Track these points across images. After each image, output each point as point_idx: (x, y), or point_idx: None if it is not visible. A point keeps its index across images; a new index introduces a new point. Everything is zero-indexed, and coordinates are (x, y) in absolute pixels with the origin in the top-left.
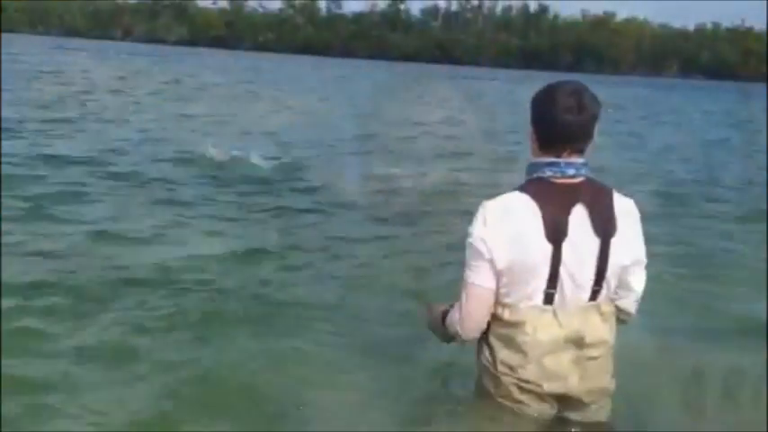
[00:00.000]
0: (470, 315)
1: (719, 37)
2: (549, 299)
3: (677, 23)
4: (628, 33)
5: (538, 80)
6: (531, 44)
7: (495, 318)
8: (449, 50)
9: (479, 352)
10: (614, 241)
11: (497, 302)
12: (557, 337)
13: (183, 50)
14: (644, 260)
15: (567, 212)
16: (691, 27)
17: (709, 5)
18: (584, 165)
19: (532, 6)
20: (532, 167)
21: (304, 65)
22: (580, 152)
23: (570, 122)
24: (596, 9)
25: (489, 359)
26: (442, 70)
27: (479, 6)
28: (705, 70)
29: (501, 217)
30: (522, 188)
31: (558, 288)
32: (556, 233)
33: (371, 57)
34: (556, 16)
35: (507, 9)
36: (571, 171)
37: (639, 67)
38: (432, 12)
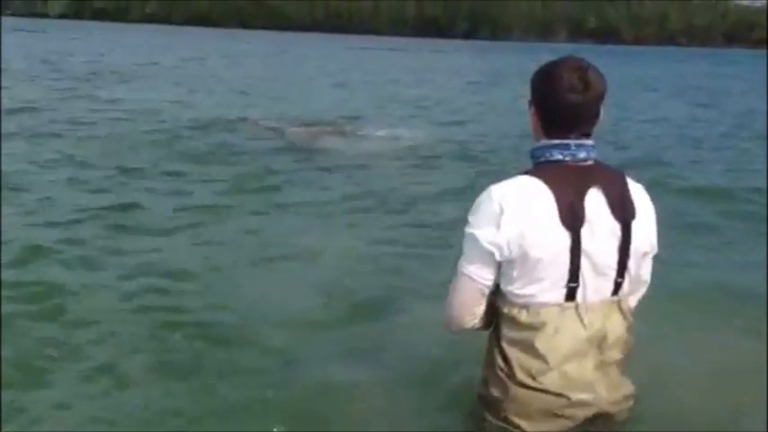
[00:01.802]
0: (454, 306)
1: (604, 2)
2: (571, 294)
3: None
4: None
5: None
6: (427, 12)
7: (509, 320)
8: (345, 20)
9: (489, 361)
10: (635, 225)
11: (511, 304)
12: (580, 338)
13: (67, 24)
14: (656, 250)
15: (583, 196)
16: None
17: None
18: (594, 147)
19: None
20: (539, 151)
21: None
22: (588, 134)
23: (576, 102)
24: None
25: (504, 368)
26: (339, 40)
27: None
28: (593, 35)
29: (510, 202)
30: (531, 172)
31: (581, 281)
32: (573, 219)
33: (266, 27)
34: None
35: None
36: (582, 154)
37: (531, 34)
38: None
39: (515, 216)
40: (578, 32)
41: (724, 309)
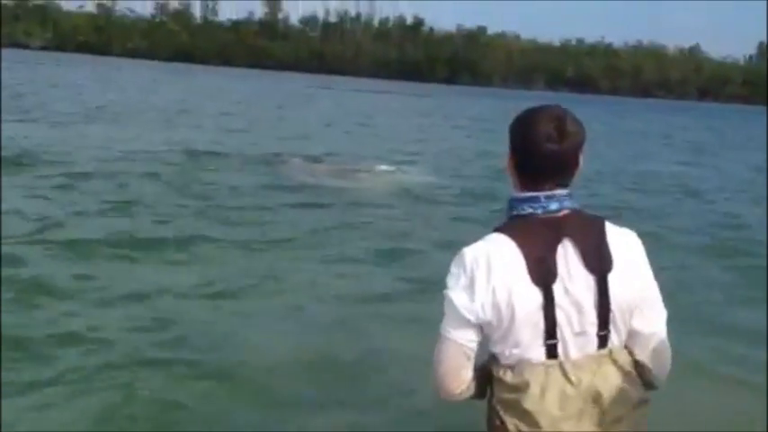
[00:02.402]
0: (441, 372)
1: (582, 52)
2: (551, 352)
3: (544, 39)
4: (498, 47)
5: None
6: (409, 56)
7: (498, 382)
8: (327, 61)
9: (488, 419)
10: (612, 277)
11: (498, 365)
12: (570, 396)
13: (48, 56)
14: (654, 298)
15: (553, 250)
16: (556, 42)
17: (574, 21)
18: (569, 196)
19: (409, 19)
20: (512, 204)
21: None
22: (564, 185)
23: (552, 152)
24: (470, 23)
25: (499, 427)
26: (321, 80)
27: (357, 17)
28: (570, 84)
29: (480, 266)
30: (501, 228)
31: (560, 337)
32: (543, 275)
33: (249, 65)
34: (431, 29)
35: (384, 21)
36: (554, 206)
37: (510, 81)
38: (310, 21)
39: (486, 279)
40: (556, 81)
41: None
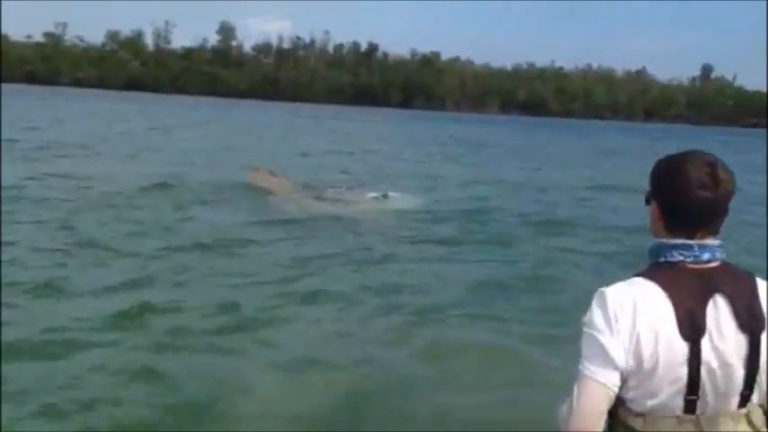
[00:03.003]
0: (581, 413)
1: (533, 76)
2: (690, 407)
3: (496, 63)
4: (452, 72)
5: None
6: (363, 82)
7: (624, 427)
8: (282, 87)
9: None
10: (764, 337)
11: (627, 410)
12: None
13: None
14: None
15: (704, 303)
16: (508, 67)
17: (525, 46)
18: (720, 247)
19: (363, 45)
20: (658, 249)
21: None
22: (715, 233)
23: (705, 200)
24: (423, 48)
25: None
26: (276, 107)
27: (311, 43)
28: (523, 107)
29: (625, 310)
30: (647, 274)
31: (701, 393)
32: (692, 329)
33: (203, 93)
34: (385, 55)
35: (338, 47)
36: (706, 255)
37: (464, 105)
38: (264, 49)
39: (632, 324)
40: (509, 104)
41: None
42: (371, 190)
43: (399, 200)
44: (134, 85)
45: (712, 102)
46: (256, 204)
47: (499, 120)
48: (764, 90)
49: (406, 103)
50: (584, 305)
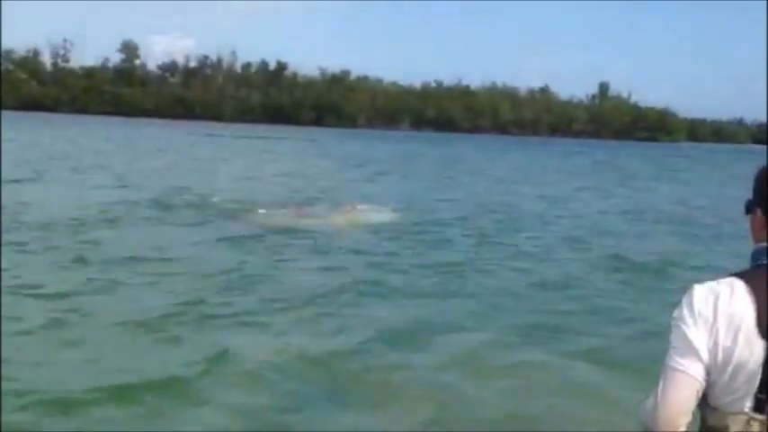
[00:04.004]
0: (668, 404)
1: (442, 94)
2: (759, 406)
3: (405, 81)
4: (363, 90)
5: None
6: (273, 100)
7: (696, 418)
8: (190, 106)
9: None
10: None
11: (701, 402)
12: None
13: None
14: None
15: None
16: (417, 85)
17: (432, 64)
18: None
19: (272, 64)
20: (758, 253)
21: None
22: None
23: None
24: (333, 67)
25: None
26: (185, 126)
27: (218, 62)
28: (433, 124)
29: (709, 305)
30: (740, 274)
31: None
32: None
33: (105, 113)
34: (295, 73)
35: (246, 65)
36: None
37: (376, 122)
38: (170, 67)
39: (713, 320)
40: (420, 121)
41: None
42: (338, 206)
43: (370, 212)
44: (32, 105)
45: (611, 118)
46: (236, 224)
47: (411, 136)
48: (657, 107)
49: (316, 121)
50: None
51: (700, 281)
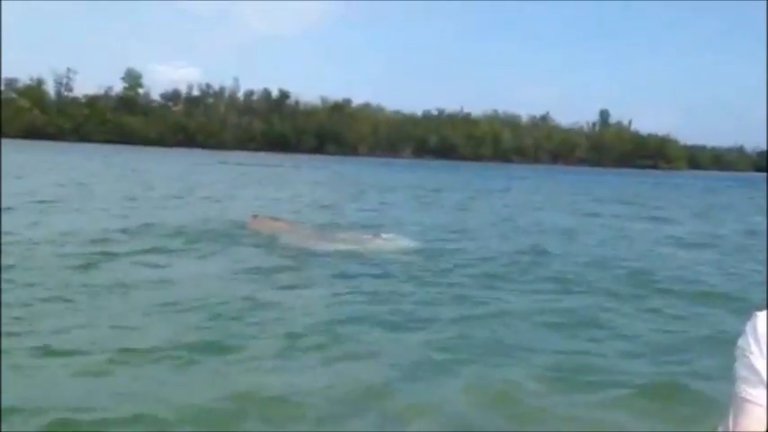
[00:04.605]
0: None
1: (443, 122)
2: None
3: (407, 109)
4: (364, 118)
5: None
6: (275, 128)
7: None
8: (191, 135)
9: None
10: None
11: None
12: None
13: None
14: None
15: None
16: (419, 113)
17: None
18: None
19: (274, 92)
20: None
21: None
22: None
23: None
24: (335, 96)
25: None
26: (187, 154)
27: (221, 91)
28: (435, 152)
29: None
30: None
31: None
32: None
33: (109, 141)
34: (297, 102)
35: (249, 94)
36: None
37: (377, 150)
38: (172, 96)
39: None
40: (421, 149)
41: None
42: (363, 231)
43: (395, 239)
44: (35, 133)
45: (612, 145)
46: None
47: (413, 164)
48: (658, 134)
49: (318, 148)
50: None
51: (761, 308)
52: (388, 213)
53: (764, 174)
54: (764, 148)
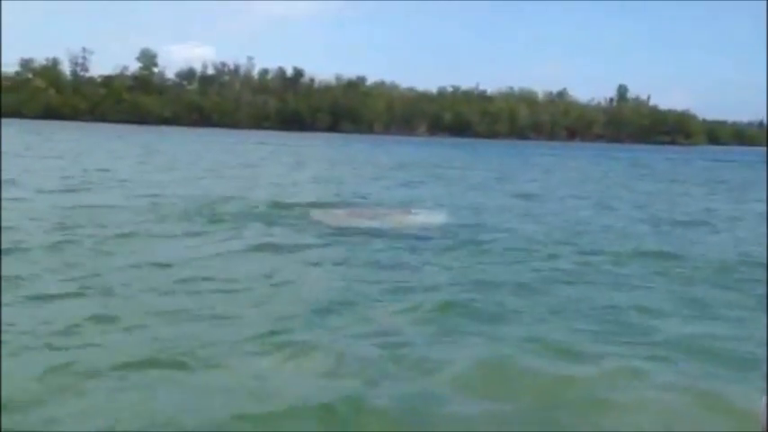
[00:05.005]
0: None
1: (459, 99)
2: None
3: (421, 86)
4: (379, 96)
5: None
6: (290, 107)
7: None
8: (207, 114)
9: None
10: None
11: None
12: None
13: None
14: None
15: None
16: (434, 90)
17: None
18: None
19: (288, 70)
20: None
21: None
22: None
23: None
24: (349, 73)
25: None
26: (202, 133)
27: (236, 70)
28: (449, 129)
29: None
30: None
31: None
32: None
33: (124, 121)
34: (312, 79)
35: (263, 72)
36: None
37: (392, 127)
38: (187, 75)
39: None
40: (436, 127)
41: None
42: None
43: (426, 214)
44: (51, 113)
45: (630, 121)
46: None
47: (429, 141)
48: (677, 109)
49: (333, 126)
50: None
51: None
52: (420, 192)
53: None
54: None
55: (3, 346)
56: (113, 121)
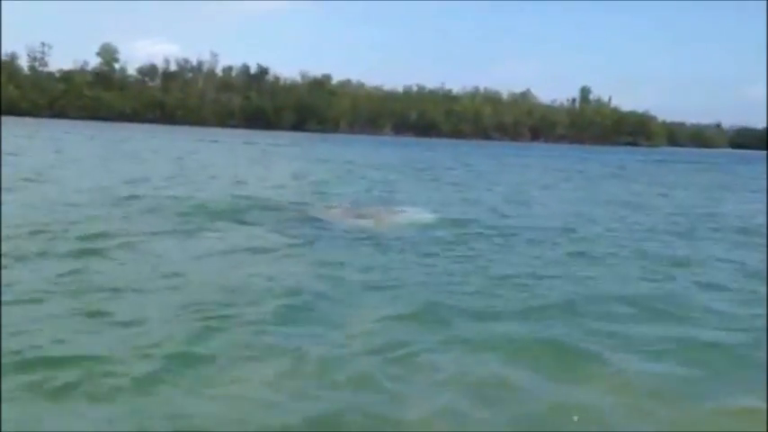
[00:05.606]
0: None
1: (424, 98)
2: None
3: (387, 86)
4: (344, 94)
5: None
6: (254, 104)
7: None
8: (170, 110)
9: None
10: None
11: None
12: None
13: None
14: None
15: None
16: (399, 89)
17: (413, 67)
18: None
19: (253, 68)
20: None
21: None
22: None
23: None
24: (314, 71)
25: None
26: (164, 130)
27: (199, 66)
28: (414, 128)
29: None
30: None
31: None
32: None
33: (83, 117)
34: (276, 77)
35: (227, 69)
36: None
37: (357, 127)
38: (149, 71)
39: None
40: (402, 126)
41: None
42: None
43: (416, 213)
44: (8, 109)
45: (592, 122)
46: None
47: (394, 141)
48: (638, 110)
49: (298, 125)
50: None
51: None
52: (396, 192)
53: (738, 151)
54: (740, 125)
55: None
56: (73, 117)
